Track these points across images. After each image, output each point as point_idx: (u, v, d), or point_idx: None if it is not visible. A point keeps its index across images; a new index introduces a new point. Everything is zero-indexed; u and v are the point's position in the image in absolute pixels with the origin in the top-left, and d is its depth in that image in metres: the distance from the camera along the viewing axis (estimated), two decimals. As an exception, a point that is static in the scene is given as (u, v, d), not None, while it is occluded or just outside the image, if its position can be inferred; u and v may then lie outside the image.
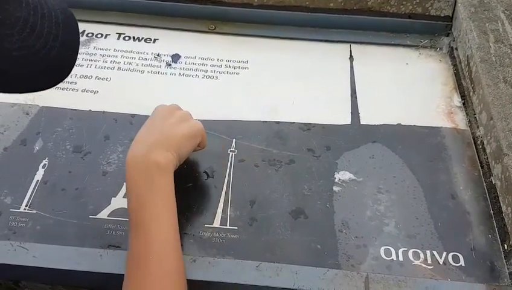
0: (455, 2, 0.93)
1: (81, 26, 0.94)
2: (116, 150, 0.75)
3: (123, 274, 0.59)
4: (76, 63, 0.86)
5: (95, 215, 0.67)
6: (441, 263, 0.63)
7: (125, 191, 0.69)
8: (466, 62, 0.86)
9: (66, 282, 0.64)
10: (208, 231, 0.66)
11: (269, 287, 0.60)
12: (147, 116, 0.79)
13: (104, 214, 0.67)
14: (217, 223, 0.67)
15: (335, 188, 0.71)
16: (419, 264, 0.63)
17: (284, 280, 0.60)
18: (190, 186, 0.71)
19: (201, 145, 0.68)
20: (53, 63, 0.48)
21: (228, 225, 0.67)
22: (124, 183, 0.70)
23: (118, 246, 0.64)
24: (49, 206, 0.68)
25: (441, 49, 0.94)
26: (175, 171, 0.62)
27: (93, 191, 0.69)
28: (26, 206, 0.68)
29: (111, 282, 0.62)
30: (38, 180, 0.70)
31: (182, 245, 0.64)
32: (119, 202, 0.68)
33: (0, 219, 0.66)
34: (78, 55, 0.93)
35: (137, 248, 0.57)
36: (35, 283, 0.65)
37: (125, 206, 0.67)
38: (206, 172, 0.73)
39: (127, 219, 0.61)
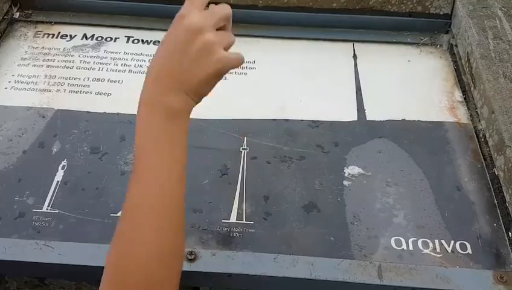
0: (454, 0, 0.96)
1: (91, 30, 0.97)
2: (133, 150, 0.77)
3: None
4: (88, 66, 0.90)
5: (116, 214, 0.69)
6: (449, 251, 0.67)
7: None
8: (466, 58, 0.89)
9: (91, 278, 0.66)
10: (225, 226, 0.69)
11: (287, 278, 0.63)
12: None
13: (124, 212, 0.69)
14: (233, 218, 0.70)
15: (345, 183, 0.74)
16: (429, 252, 0.67)
17: (301, 271, 0.63)
18: (205, 183, 0.73)
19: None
20: None
21: (244, 219, 0.70)
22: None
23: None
24: (71, 205, 0.70)
25: (441, 46, 0.97)
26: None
27: (113, 190, 0.72)
28: (48, 206, 0.70)
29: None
30: (58, 181, 0.73)
31: (201, 240, 0.67)
32: (138, 200, 0.71)
33: (24, 219, 0.68)
34: (90, 58, 0.96)
35: (136, 197, 0.50)
36: (61, 280, 0.68)
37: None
38: (220, 170, 0.75)
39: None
